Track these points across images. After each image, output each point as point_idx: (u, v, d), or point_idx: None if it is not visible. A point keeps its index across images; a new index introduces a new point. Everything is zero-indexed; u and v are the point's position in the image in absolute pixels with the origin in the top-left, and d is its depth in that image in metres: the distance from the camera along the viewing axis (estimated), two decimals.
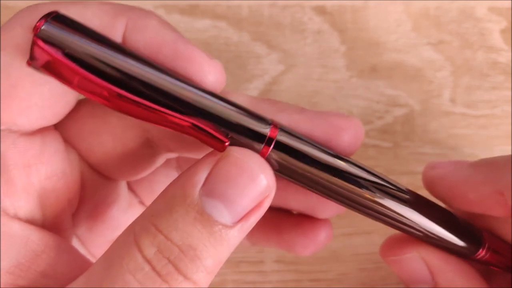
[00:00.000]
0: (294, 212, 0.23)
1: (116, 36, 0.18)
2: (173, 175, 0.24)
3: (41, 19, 0.16)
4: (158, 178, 0.24)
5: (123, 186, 0.23)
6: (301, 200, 0.22)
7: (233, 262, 0.30)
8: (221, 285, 0.30)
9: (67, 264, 0.18)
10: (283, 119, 0.19)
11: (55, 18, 0.16)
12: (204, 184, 0.16)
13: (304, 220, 0.23)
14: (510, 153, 0.33)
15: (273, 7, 0.34)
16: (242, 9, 0.34)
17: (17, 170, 0.18)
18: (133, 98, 0.16)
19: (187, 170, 0.17)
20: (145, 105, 0.16)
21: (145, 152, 0.21)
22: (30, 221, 0.18)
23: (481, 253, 0.20)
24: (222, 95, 0.19)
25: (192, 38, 0.33)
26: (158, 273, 0.15)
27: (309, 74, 0.33)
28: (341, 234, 0.31)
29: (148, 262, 0.15)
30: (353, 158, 0.19)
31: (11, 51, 0.17)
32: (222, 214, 0.16)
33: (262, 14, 0.34)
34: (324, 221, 0.22)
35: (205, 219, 0.15)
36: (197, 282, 0.16)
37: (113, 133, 0.20)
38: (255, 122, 0.17)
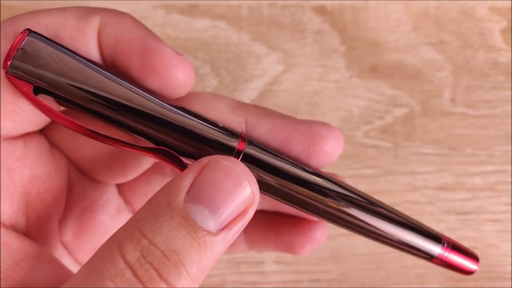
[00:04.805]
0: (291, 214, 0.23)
1: (91, 31, 0.18)
2: None
3: (12, 50, 0.16)
4: (154, 188, 0.24)
5: (112, 191, 0.23)
6: None
7: (233, 262, 0.30)
8: (221, 286, 0.30)
9: (47, 274, 0.17)
10: (267, 123, 0.19)
11: (25, 46, 0.16)
12: (189, 190, 0.16)
13: (300, 220, 0.23)
14: (510, 153, 0.33)
15: (273, 7, 0.34)
16: (242, 9, 0.34)
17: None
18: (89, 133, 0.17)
19: (173, 177, 0.17)
20: (108, 138, 0.17)
21: (131, 152, 0.21)
22: (14, 226, 0.18)
23: (443, 249, 0.21)
24: (201, 98, 0.19)
25: (192, 38, 0.33)
26: (140, 279, 0.15)
27: (309, 74, 0.33)
28: (341, 234, 0.31)
29: (130, 267, 0.15)
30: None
31: None
32: (207, 219, 0.16)
33: (262, 14, 0.34)
34: (319, 220, 0.23)
35: (189, 224, 0.15)
36: None
37: None
38: (223, 136, 0.18)
